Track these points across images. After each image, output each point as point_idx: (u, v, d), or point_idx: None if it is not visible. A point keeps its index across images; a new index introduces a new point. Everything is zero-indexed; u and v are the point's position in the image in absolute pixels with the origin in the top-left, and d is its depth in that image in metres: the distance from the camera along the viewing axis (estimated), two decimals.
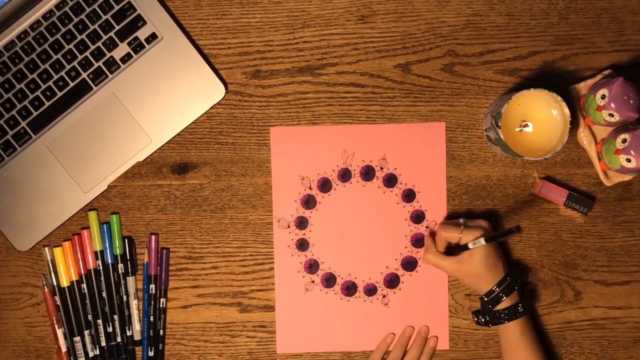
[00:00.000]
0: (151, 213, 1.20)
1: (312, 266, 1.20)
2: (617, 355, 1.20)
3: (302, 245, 1.20)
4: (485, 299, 1.13)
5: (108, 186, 1.19)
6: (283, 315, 1.20)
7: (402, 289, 1.20)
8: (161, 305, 1.19)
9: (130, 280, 1.20)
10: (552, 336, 1.20)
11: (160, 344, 1.20)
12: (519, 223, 1.20)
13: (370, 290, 1.20)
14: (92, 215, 1.19)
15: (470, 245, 1.09)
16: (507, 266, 1.15)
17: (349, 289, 1.20)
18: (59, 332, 1.19)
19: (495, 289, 1.12)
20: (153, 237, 1.19)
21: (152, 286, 1.19)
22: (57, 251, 1.19)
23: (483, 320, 1.15)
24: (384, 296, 1.20)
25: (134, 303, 1.20)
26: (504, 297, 1.11)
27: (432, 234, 1.19)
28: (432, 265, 1.15)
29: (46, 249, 1.19)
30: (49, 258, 1.19)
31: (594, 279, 1.20)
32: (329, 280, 1.20)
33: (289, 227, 1.20)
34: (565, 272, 1.20)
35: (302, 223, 1.20)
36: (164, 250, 1.19)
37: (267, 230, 1.20)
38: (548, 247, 1.20)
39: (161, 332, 1.19)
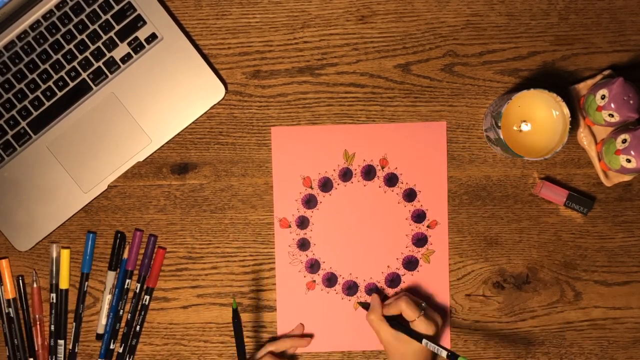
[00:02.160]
0: (151, 213, 1.20)
1: (313, 266, 1.20)
2: (617, 355, 1.20)
3: (303, 245, 1.20)
4: None
5: (108, 186, 1.19)
6: (284, 315, 1.20)
7: (403, 288, 1.20)
8: (143, 302, 1.20)
9: (111, 275, 1.20)
10: (552, 336, 1.20)
11: (135, 340, 1.20)
12: (519, 223, 1.20)
13: (372, 290, 1.20)
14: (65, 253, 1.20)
15: (424, 341, 1.08)
16: None
17: (350, 288, 1.20)
18: (38, 331, 1.20)
19: None
20: (138, 233, 1.19)
21: (128, 281, 1.19)
22: (64, 253, 1.19)
23: None
24: (386, 296, 1.20)
25: (106, 298, 1.19)
26: None
27: (379, 293, 1.19)
28: (371, 325, 1.15)
29: (54, 245, 1.19)
30: (54, 255, 1.19)
31: (594, 279, 1.20)
32: (330, 280, 1.20)
33: (290, 226, 1.20)
34: (565, 272, 1.20)
35: (303, 223, 1.20)
36: (152, 238, 1.20)
37: (267, 230, 1.20)
38: (548, 247, 1.20)
39: (137, 328, 1.20)
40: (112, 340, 1.20)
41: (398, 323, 1.13)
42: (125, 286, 1.19)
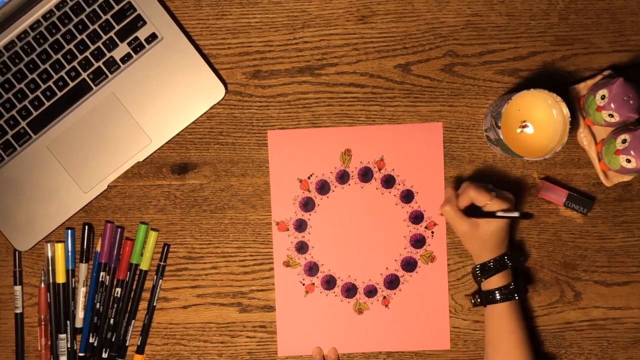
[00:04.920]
0: (151, 213, 1.20)
1: (311, 269, 1.20)
2: (617, 355, 1.20)
3: (302, 248, 1.20)
4: (478, 270, 1.14)
5: (108, 186, 1.19)
6: (284, 319, 1.20)
7: (402, 289, 1.20)
8: (115, 295, 1.20)
9: (83, 267, 1.20)
10: (552, 336, 1.20)
11: (111, 333, 1.20)
12: (519, 223, 1.19)
13: (371, 292, 1.20)
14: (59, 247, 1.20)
15: (499, 214, 1.10)
16: (509, 247, 1.15)
17: (349, 290, 1.20)
18: (42, 331, 1.20)
19: (490, 262, 1.13)
20: (109, 225, 1.19)
21: (103, 274, 1.19)
22: (59, 246, 1.19)
23: (477, 300, 1.16)
24: (385, 297, 1.20)
25: (81, 290, 1.20)
26: (493, 272, 1.12)
27: (454, 188, 1.17)
28: (447, 217, 1.15)
29: (48, 244, 1.19)
30: (49, 255, 1.19)
31: (594, 279, 1.20)
32: (329, 283, 1.20)
33: (288, 230, 1.20)
34: (565, 272, 1.20)
35: (301, 226, 1.20)
36: (118, 229, 1.20)
37: (266, 230, 1.20)
38: (548, 247, 1.20)
39: (112, 322, 1.20)
40: (92, 334, 1.20)
41: (473, 210, 1.13)
42: (101, 279, 1.20)
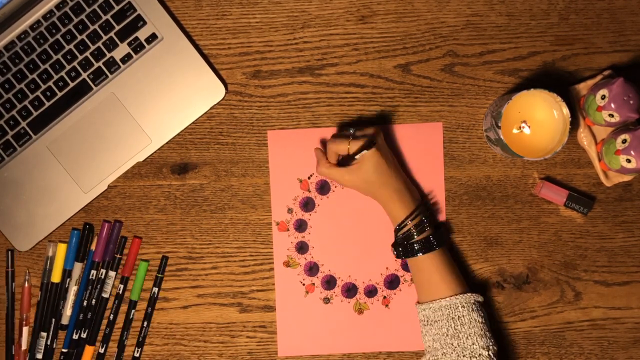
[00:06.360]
0: (151, 213, 1.20)
1: (312, 269, 1.20)
2: (617, 355, 1.20)
3: (302, 248, 1.20)
4: (399, 234, 1.13)
5: (108, 186, 1.19)
6: (284, 319, 1.20)
7: (403, 289, 1.20)
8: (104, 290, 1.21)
9: (77, 266, 1.20)
10: (553, 336, 1.20)
11: (97, 327, 1.20)
12: (519, 223, 1.19)
13: (371, 292, 1.20)
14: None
15: (356, 157, 1.10)
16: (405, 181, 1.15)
17: (350, 290, 1.20)
18: (25, 330, 1.20)
19: (408, 222, 1.12)
20: (106, 224, 1.19)
21: (94, 272, 1.19)
22: (61, 247, 1.19)
23: (397, 252, 1.14)
24: (385, 297, 1.20)
25: (72, 289, 1.20)
26: (416, 235, 1.11)
27: (323, 147, 1.18)
28: (326, 177, 1.14)
29: (50, 244, 1.19)
30: (49, 254, 1.19)
31: (594, 279, 1.20)
32: (329, 283, 1.20)
33: (288, 230, 1.20)
34: (565, 272, 1.20)
35: (301, 226, 1.20)
36: (117, 224, 1.20)
37: (267, 230, 1.20)
38: (548, 247, 1.20)
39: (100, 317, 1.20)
40: (76, 331, 1.20)
41: (342, 159, 1.14)
42: (91, 277, 1.20)
